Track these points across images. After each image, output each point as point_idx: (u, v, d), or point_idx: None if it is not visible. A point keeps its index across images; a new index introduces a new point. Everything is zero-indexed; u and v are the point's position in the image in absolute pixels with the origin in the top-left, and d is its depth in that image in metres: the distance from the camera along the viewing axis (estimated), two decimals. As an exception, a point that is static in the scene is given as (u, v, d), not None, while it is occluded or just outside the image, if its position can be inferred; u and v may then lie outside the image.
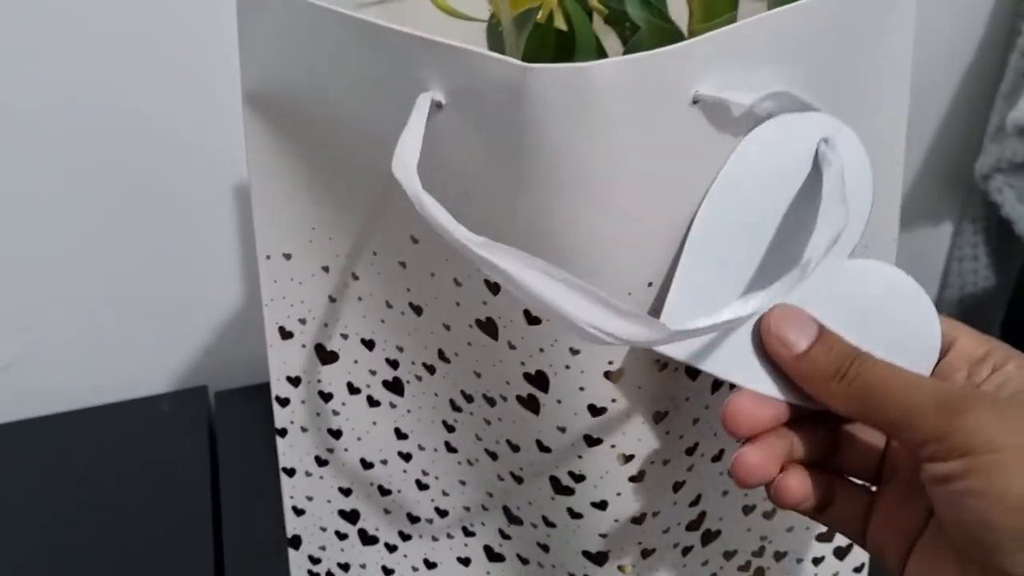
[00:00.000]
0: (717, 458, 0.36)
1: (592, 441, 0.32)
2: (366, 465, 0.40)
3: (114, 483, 0.55)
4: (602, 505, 0.34)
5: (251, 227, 0.37)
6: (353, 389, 0.39)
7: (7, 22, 0.51)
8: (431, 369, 0.36)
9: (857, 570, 0.43)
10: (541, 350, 0.31)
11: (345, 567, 0.43)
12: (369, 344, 0.37)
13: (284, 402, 0.40)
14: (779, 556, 0.41)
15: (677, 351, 0.29)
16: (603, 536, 0.35)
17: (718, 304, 0.26)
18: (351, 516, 0.42)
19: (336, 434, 0.40)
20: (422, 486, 0.40)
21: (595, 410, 0.31)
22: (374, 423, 0.39)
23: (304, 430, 0.40)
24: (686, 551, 0.38)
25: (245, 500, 0.53)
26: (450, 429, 0.37)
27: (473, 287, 0.32)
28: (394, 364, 0.37)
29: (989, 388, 0.27)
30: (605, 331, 0.24)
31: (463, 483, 0.39)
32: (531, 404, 0.33)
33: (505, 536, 0.39)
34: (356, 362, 0.38)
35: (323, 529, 0.42)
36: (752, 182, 0.28)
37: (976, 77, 0.73)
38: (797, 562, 0.41)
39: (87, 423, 0.60)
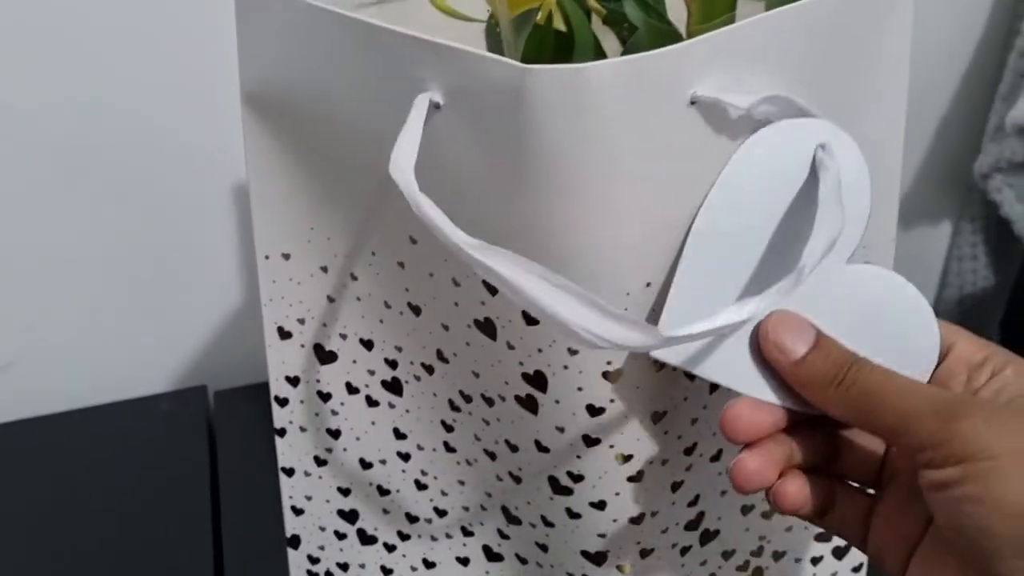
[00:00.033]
0: (715, 458, 0.36)
1: (591, 441, 0.32)
2: (365, 465, 0.40)
3: (113, 483, 0.55)
4: (600, 505, 0.34)
5: (250, 227, 0.37)
6: (352, 389, 0.39)
7: (7, 22, 0.51)
8: (430, 369, 0.36)
9: (855, 570, 0.43)
10: (539, 350, 0.31)
11: (344, 567, 0.43)
12: (368, 344, 0.37)
13: (283, 402, 0.40)
14: (777, 556, 0.41)
15: (675, 357, 0.29)
16: (602, 536, 0.35)
17: (716, 309, 0.26)
18: (350, 516, 0.42)
19: (335, 434, 0.40)
20: (421, 486, 0.40)
21: (593, 410, 0.31)
22: (373, 423, 0.39)
23: (303, 430, 0.40)
24: (684, 551, 0.38)
25: (244, 499, 0.53)
26: (449, 429, 0.37)
27: (471, 287, 0.32)
28: (393, 364, 0.37)
29: (987, 393, 0.27)
30: (600, 336, 0.24)
31: (462, 483, 0.39)
32: (530, 404, 0.33)
33: (504, 536, 0.39)
34: (355, 362, 0.38)
35: (322, 529, 0.42)
36: (750, 188, 0.28)
37: (975, 77, 0.73)
38: (795, 562, 0.41)
39: (87, 423, 0.60)
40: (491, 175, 0.28)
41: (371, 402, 0.39)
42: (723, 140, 0.28)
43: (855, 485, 0.31)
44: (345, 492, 0.41)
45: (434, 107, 0.28)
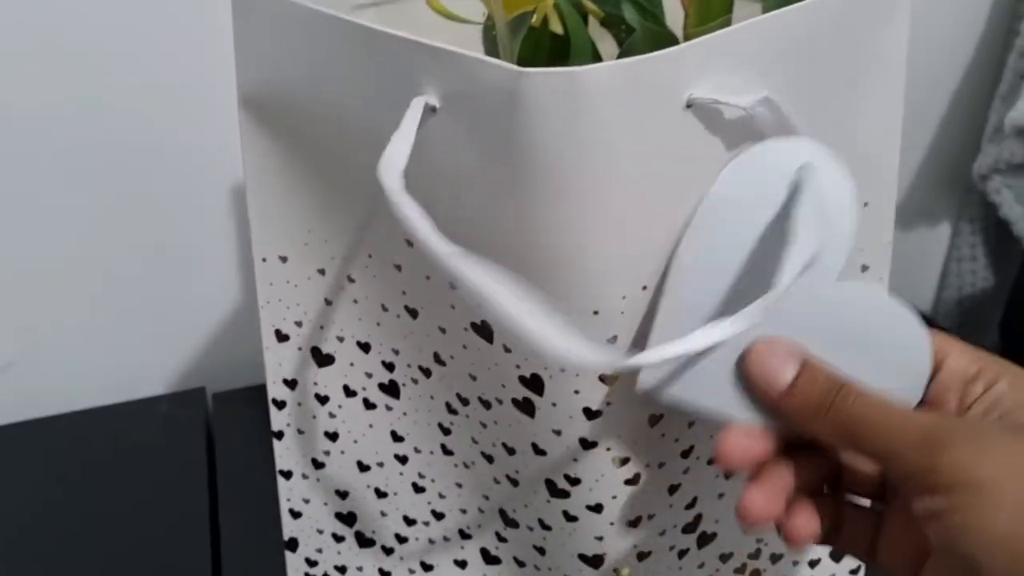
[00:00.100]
0: (712, 461, 0.36)
1: (587, 444, 0.32)
2: (362, 468, 0.40)
3: (112, 484, 0.55)
4: (598, 508, 0.34)
5: (249, 229, 0.37)
6: (349, 392, 0.39)
7: (7, 23, 0.51)
8: (427, 372, 0.36)
9: (853, 572, 0.43)
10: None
11: (342, 570, 0.43)
12: (365, 347, 0.37)
13: (280, 404, 0.40)
14: (775, 558, 0.41)
15: (660, 386, 0.29)
16: (599, 539, 0.35)
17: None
18: (348, 519, 0.42)
19: (332, 437, 0.40)
20: (418, 489, 0.40)
21: (590, 413, 0.31)
22: (370, 426, 0.39)
23: (301, 432, 0.40)
24: (682, 554, 0.38)
25: (242, 501, 0.53)
26: (446, 432, 0.37)
27: (468, 290, 0.32)
28: (390, 367, 0.37)
29: (981, 407, 0.27)
30: (562, 356, 0.24)
31: (459, 486, 0.39)
32: (526, 407, 0.33)
33: (501, 539, 0.39)
34: (352, 365, 0.38)
35: (320, 531, 0.42)
36: (735, 210, 0.28)
37: (974, 78, 0.73)
38: (793, 564, 0.41)
39: (85, 424, 0.60)
40: (487, 178, 0.28)
41: (368, 405, 0.39)
42: (719, 144, 0.28)
43: (861, 503, 0.30)
44: (343, 495, 0.41)
45: (430, 110, 0.28)
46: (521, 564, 0.39)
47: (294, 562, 0.43)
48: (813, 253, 0.26)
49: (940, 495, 0.24)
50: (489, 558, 0.41)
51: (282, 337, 0.38)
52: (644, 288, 0.29)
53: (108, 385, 0.63)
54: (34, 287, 0.59)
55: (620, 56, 0.31)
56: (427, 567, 0.42)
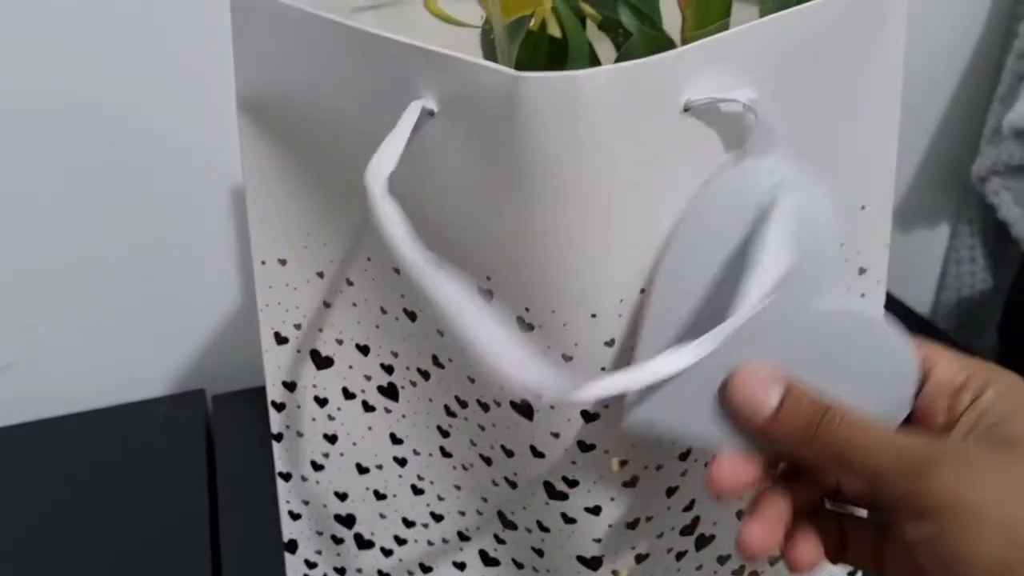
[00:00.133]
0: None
1: (585, 447, 0.32)
2: (361, 470, 0.40)
3: (112, 486, 0.55)
4: (596, 510, 0.34)
5: (249, 231, 0.37)
6: (348, 394, 0.39)
7: (7, 22, 0.51)
8: (425, 375, 0.36)
9: (851, 574, 0.43)
10: (534, 356, 0.31)
11: (341, 571, 0.43)
12: (364, 349, 0.38)
13: (280, 407, 0.40)
14: (773, 560, 0.41)
15: (648, 426, 0.29)
16: (597, 541, 0.35)
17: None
18: (347, 520, 0.42)
19: (331, 439, 0.40)
20: (417, 491, 0.40)
21: (588, 416, 0.31)
22: (369, 428, 0.39)
23: (300, 435, 0.40)
24: (680, 556, 0.38)
25: (242, 503, 0.53)
26: (445, 434, 0.37)
27: (466, 293, 0.32)
28: (389, 369, 0.37)
29: (970, 419, 0.27)
30: (518, 380, 0.24)
31: (458, 488, 0.39)
32: (524, 410, 0.33)
33: (500, 541, 0.39)
34: (351, 367, 0.38)
35: (319, 533, 0.42)
36: (709, 235, 0.28)
37: (973, 79, 0.73)
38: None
39: (85, 426, 0.60)
40: (485, 181, 0.28)
41: (367, 407, 0.39)
42: (716, 147, 0.28)
43: (862, 515, 0.30)
44: (342, 497, 0.41)
45: (428, 114, 0.28)
46: (520, 566, 0.39)
47: (293, 564, 0.43)
48: (779, 275, 0.25)
49: (928, 521, 0.24)
50: (488, 560, 0.41)
51: (281, 340, 0.38)
52: (642, 291, 0.29)
53: (108, 387, 0.63)
54: (34, 288, 0.59)
55: (618, 60, 0.31)
56: (426, 569, 0.42)
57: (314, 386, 0.39)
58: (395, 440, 0.39)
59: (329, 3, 0.43)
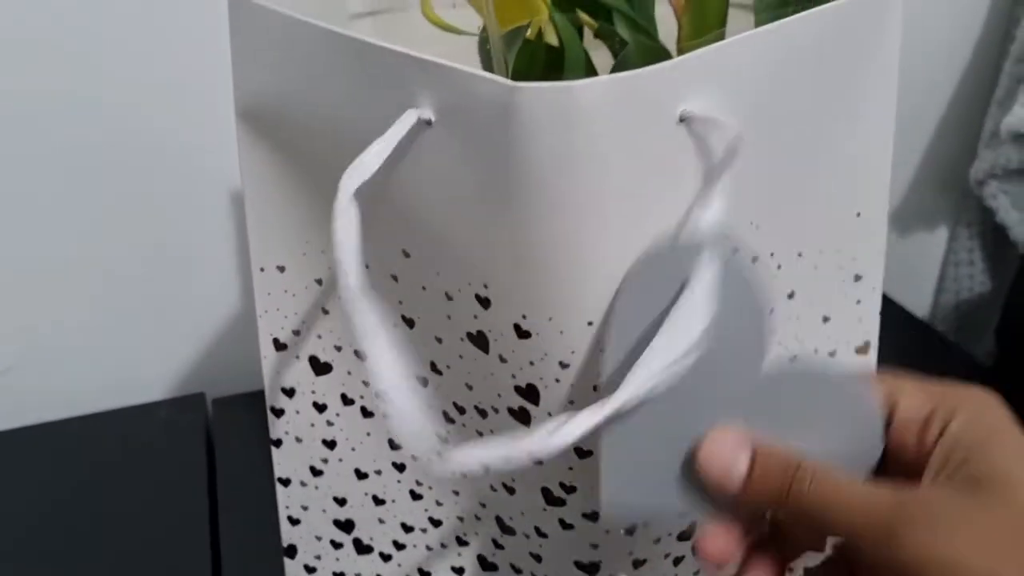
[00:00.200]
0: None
1: (583, 453, 0.32)
2: (360, 475, 0.40)
3: (112, 489, 0.55)
4: (593, 516, 0.34)
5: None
6: (347, 400, 0.39)
7: (8, 24, 0.51)
8: (423, 381, 0.36)
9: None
10: (531, 363, 0.31)
11: (340, 576, 0.43)
12: (362, 356, 0.38)
13: (279, 413, 0.40)
14: None
15: (624, 513, 0.29)
16: (595, 547, 0.35)
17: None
18: (346, 526, 0.42)
19: (330, 444, 0.40)
20: (416, 496, 0.40)
21: (585, 423, 0.31)
22: (368, 434, 0.39)
23: (299, 440, 0.40)
24: (677, 561, 0.38)
25: (242, 507, 0.53)
26: (443, 440, 0.38)
27: (464, 301, 0.32)
28: (387, 376, 0.38)
29: (939, 458, 0.26)
30: (398, 433, 0.26)
31: (456, 493, 0.39)
32: (522, 416, 0.33)
33: (498, 546, 0.39)
34: (350, 373, 0.38)
35: (318, 538, 0.43)
36: (646, 308, 0.28)
37: (971, 82, 0.73)
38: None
39: (86, 429, 0.60)
40: (481, 191, 0.28)
41: (366, 413, 0.39)
42: (712, 157, 0.28)
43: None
44: (341, 502, 0.41)
45: (425, 124, 0.28)
46: (518, 571, 0.40)
47: (293, 568, 0.44)
48: (688, 344, 0.25)
49: None
50: (486, 565, 0.41)
51: (280, 346, 0.39)
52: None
53: (108, 390, 0.63)
54: (33, 294, 0.60)
55: (614, 70, 0.31)
56: (424, 574, 0.42)
57: (313, 392, 0.39)
58: (394, 446, 0.39)
59: (327, 9, 0.43)
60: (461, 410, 0.36)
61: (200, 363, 0.65)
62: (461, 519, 0.40)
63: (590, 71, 0.32)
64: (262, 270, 0.37)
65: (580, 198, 0.27)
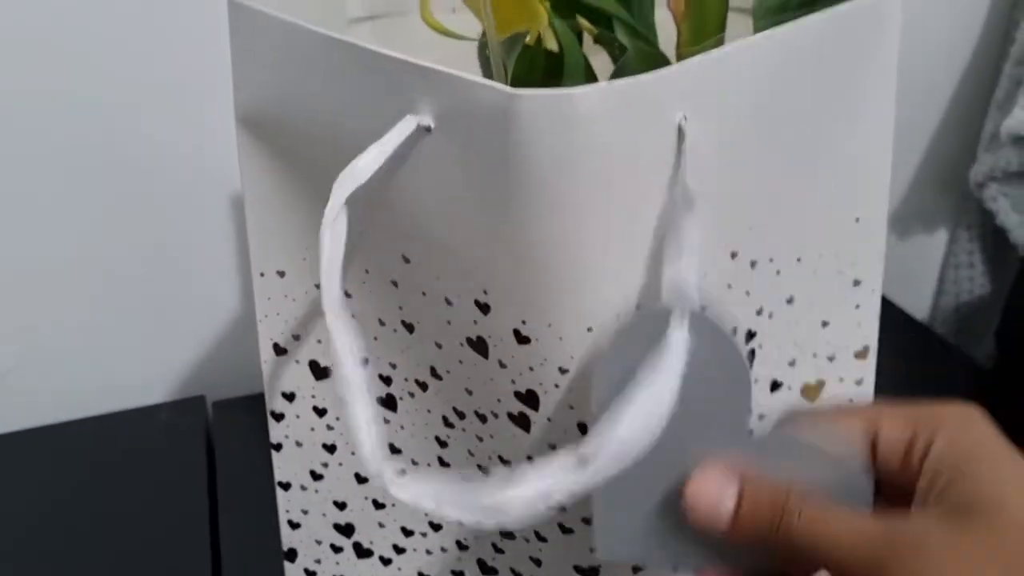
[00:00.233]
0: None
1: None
2: (360, 479, 0.40)
3: (112, 491, 0.55)
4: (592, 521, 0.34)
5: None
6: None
7: (8, 24, 0.52)
8: (423, 386, 0.36)
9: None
10: (531, 369, 0.31)
11: (340, 580, 0.43)
12: (362, 361, 0.38)
13: (279, 417, 0.40)
14: None
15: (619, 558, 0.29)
16: (594, 551, 0.35)
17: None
18: (346, 530, 0.42)
19: (330, 449, 0.40)
20: (416, 500, 0.40)
21: (585, 429, 0.32)
22: (368, 438, 0.39)
23: (299, 445, 0.40)
24: (677, 566, 0.38)
25: (243, 510, 0.54)
26: (443, 445, 0.38)
27: (464, 306, 0.32)
28: (387, 380, 0.38)
29: (924, 484, 0.25)
30: (363, 455, 0.27)
31: (456, 497, 0.39)
32: (522, 422, 0.33)
33: (498, 550, 0.39)
34: (351, 377, 0.38)
35: (318, 542, 0.43)
36: (625, 368, 0.27)
37: (970, 85, 0.73)
38: None
39: (86, 432, 0.60)
40: (481, 196, 0.28)
41: (366, 417, 0.39)
42: (711, 163, 0.28)
43: None
44: (341, 506, 0.41)
45: (425, 130, 0.28)
46: (518, 575, 0.40)
47: (293, 572, 0.44)
48: (651, 426, 0.25)
49: None
50: (486, 569, 0.41)
51: (280, 350, 0.39)
52: (638, 307, 0.29)
53: (108, 393, 0.63)
54: (34, 297, 0.60)
55: (613, 76, 0.31)
56: (425, 578, 0.42)
57: (313, 396, 0.39)
58: (394, 450, 0.39)
59: (326, 14, 0.43)
60: (461, 415, 0.36)
61: (200, 366, 0.65)
62: (461, 523, 0.40)
63: (589, 76, 0.33)
64: (262, 275, 0.37)
65: (580, 204, 0.27)
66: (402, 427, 0.38)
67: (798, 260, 0.34)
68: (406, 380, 0.37)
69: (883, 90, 0.33)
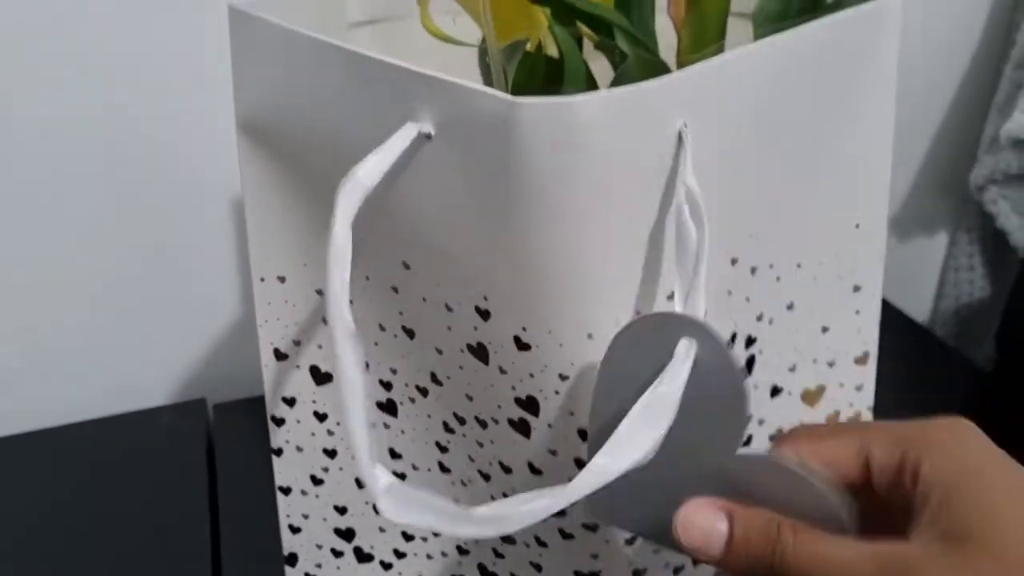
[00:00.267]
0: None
1: (583, 464, 0.32)
2: (361, 484, 0.40)
3: (113, 494, 0.55)
4: (593, 527, 0.34)
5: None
6: (347, 409, 0.39)
7: (10, 24, 0.52)
8: (424, 391, 0.36)
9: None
10: (531, 375, 0.31)
11: (341, 584, 0.43)
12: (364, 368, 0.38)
13: (279, 422, 0.40)
14: None
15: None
16: (595, 556, 0.35)
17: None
18: (347, 534, 0.42)
19: (331, 454, 0.40)
20: (416, 505, 0.40)
21: (585, 435, 0.32)
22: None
23: (299, 449, 0.41)
24: (677, 571, 0.38)
25: (243, 512, 0.54)
26: (443, 450, 0.38)
27: (464, 313, 0.32)
28: (388, 386, 0.38)
29: (917, 508, 0.24)
30: (362, 470, 0.27)
31: (457, 502, 0.39)
32: (522, 427, 0.33)
33: (499, 555, 0.39)
34: (352, 384, 0.38)
35: (319, 547, 0.43)
36: (628, 379, 0.28)
37: (971, 88, 0.73)
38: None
39: (86, 434, 0.60)
40: (482, 203, 0.29)
41: (366, 422, 0.39)
42: (712, 169, 0.28)
43: None
44: (341, 511, 0.41)
45: (425, 137, 0.28)
46: (518, 580, 0.40)
47: (294, 576, 0.44)
48: (646, 446, 0.25)
49: None
50: (486, 574, 0.41)
51: (281, 356, 0.39)
52: (638, 313, 0.29)
53: (109, 396, 0.63)
54: (35, 301, 0.60)
55: (613, 83, 0.31)
56: (425, 582, 0.42)
57: (314, 401, 0.39)
58: (394, 455, 0.39)
59: (327, 17, 0.43)
60: (461, 420, 0.36)
61: (201, 368, 0.66)
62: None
63: (590, 83, 0.33)
64: (262, 280, 0.37)
65: (580, 211, 0.27)
66: (403, 432, 0.38)
67: (798, 266, 0.34)
68: (407, 385, 0.37)
69: (883, 95, 0.33)
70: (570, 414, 0.31)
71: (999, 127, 0.66)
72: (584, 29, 0.33)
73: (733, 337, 0.34)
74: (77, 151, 0.56)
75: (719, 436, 0.27)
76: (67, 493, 0.55)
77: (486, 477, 0.37)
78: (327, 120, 0.32)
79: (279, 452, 0.41)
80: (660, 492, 0.28)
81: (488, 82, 0.36)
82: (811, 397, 0.38)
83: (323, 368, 0.39)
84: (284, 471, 0.41)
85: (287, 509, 0.42)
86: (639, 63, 0.30)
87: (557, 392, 0.31)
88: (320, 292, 0.37)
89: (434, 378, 0.36)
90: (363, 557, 0.43)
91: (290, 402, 0.40)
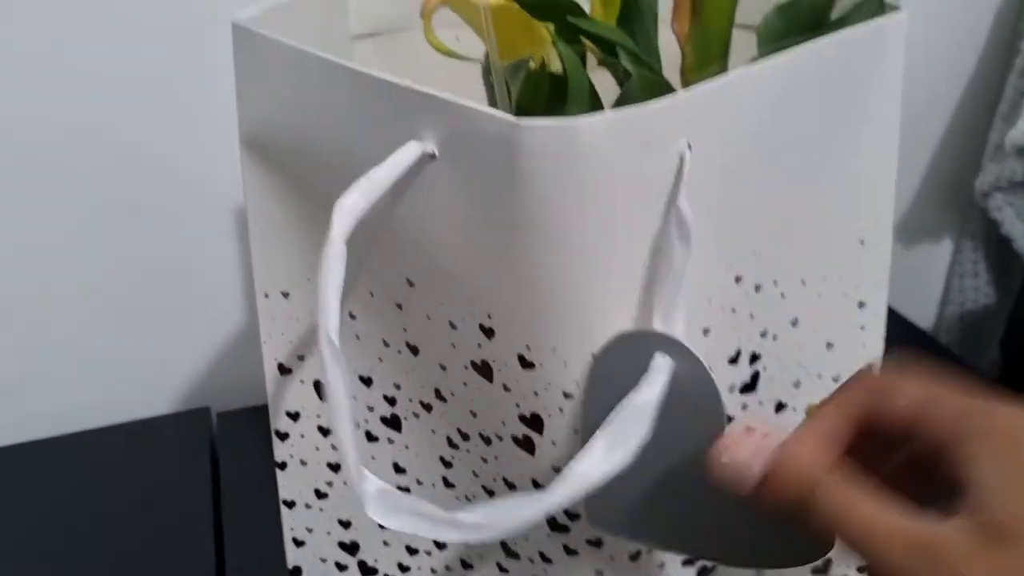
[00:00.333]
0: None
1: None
2: (365, 498, 0.40)
3: (117, 503, 0.55)
4: (597, 543, 0.34)
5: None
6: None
7: (13, 33, 0.52)
8: (428, 407, 0.36)
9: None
10: (535, 393, 0.31)
11: (345, 597, 0.43)
12: (367, 381, 0.38)
13: (283, 436, 0.40)
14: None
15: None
16: (599, 573, 0.35)
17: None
18: (351, 548, 0.42)
19: (335, 468, 0.40)
20: (420, 519, 0.40)
21: (589, 452, 0.32)
22: (373, 457, 0.39)
23: (303, 464, 0.41)
24: (681, 586, 0.38)
25: (247, 521, 0.54)
26: (447, 465, 0.38)
27: (468, 330, 0.32)
28: (392, 401, 0.38)
29: (967, 488, 0.23)
30: (352, 479, 0.28)
31: (461, 517, 0.39)
32: (526, 445, 0.33)
33: (503, 570, 0.39)
34: (355, 398, 0.38)
35: (323, 560, 0.43)
36: (612, 389, 0.28)
37: (975, 96, 0.73)
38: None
39: (91, 443, 0.60)
40: (485, 223, 0.29)
41: (371, 437, 0.39)
42: (714, 189, 0.28)
43: None
44: (346, 524, 0.41)
45: (429, 157, 0.28)
46: (522, 595, 0.40)
47: (298, 589, 0.44)
48: (622, 456, 0.26)
49: None
50: (491, 588, 0.41)
51: (285, 370, 0.39)
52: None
53: (113, 405, 0.63)
54: (39, 312, 0.60)
55: (617, 103, 0.31)
56: (429, 596, 0.42)
57: (318, 416, 0.39)
58: (398, 470, 0.39)
59: (330, 31, 0.43)
60: (465, 436, 0.36)
61: (205, 377, 0.66)
62: (466, 543, 0.40)
63: (594, 99, 0.33)
64: (266, 296, 0.37)
65: (583, 230, 0.27)
66: (407, 447, 0.38)
67: (802, 283, 0.34)
68: (411, 401, 0.37)
69: (888, 111, 0.33)
70: (574, 432, 0.31)
71: (1004, 134, 0.66)
72: (588, 44, 0.33)
73: (738, 353, 0.33)
74: (85, 164, 0.56)
75: (702, 447, 0.27)
76: (71, 501, 0.55)
77: (490, 493, 0.37)
78: (330, 137, 0.32)
79: (283, 466, 0.41)
80: (655, 500, 0.29)
81: (492, 99, 0.36)
82: (816, 412, 0.38)
83: (327, 383, 0.38)
84: (288, 485, 0.41)
85: (291, 523, 0.42)
86: (642, 83, 0.30)
87: (561, 410, 0.31)
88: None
89: (438, 394, 0.36)
90: (367, 571, 0.42)
91: (294, 416, 0.40)
